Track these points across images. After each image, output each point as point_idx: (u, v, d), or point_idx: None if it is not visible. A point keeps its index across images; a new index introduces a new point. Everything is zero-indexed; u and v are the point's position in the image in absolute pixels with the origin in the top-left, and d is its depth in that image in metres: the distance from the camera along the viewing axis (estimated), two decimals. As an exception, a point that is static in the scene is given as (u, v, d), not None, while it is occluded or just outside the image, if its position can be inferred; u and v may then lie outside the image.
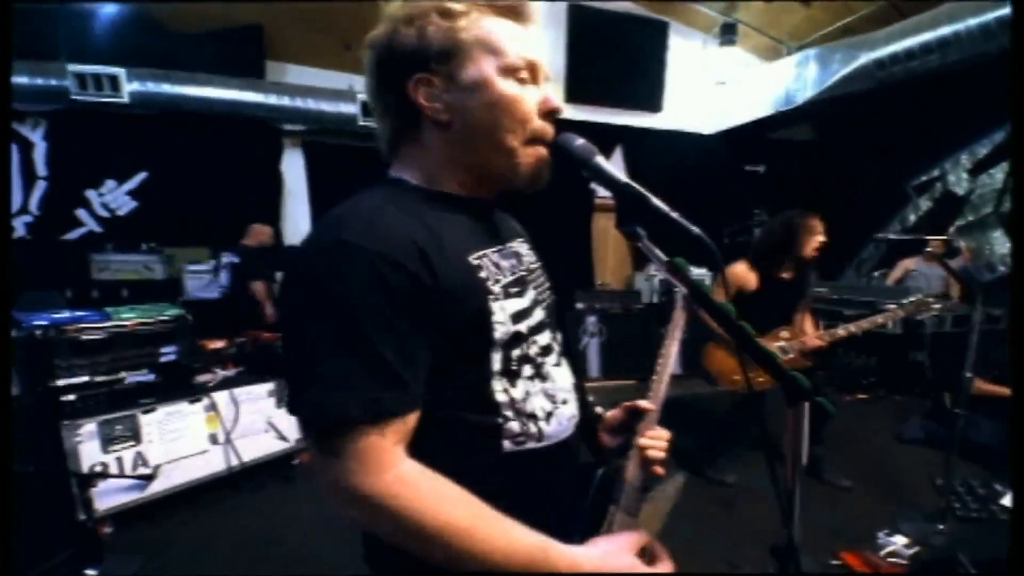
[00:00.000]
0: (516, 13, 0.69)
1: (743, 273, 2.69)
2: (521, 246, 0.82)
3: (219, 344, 3.07)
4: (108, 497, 2.36)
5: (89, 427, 2.36)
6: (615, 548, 0.69)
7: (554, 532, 0.65)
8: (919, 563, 2.15)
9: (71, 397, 2.40)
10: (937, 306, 2.57)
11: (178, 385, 2.74)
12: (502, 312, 0.67)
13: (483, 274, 0.67)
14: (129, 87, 3.99)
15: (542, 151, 0.71)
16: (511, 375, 0.69)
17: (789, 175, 6.39)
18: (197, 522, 2.52)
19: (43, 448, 2.18)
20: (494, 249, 0.73)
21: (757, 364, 0.69)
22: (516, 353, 0.69)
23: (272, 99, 4.41)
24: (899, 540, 2.30)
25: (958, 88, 4.46)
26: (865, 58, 4.51)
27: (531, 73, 0.69)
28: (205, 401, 2.74)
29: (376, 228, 0.59)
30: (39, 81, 3.85)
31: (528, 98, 0.68)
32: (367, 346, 0.56)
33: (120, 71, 3.95)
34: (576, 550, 0.66)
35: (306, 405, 0.58)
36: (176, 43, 4.37)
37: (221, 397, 2.79)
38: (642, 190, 0.68)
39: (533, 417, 0.71)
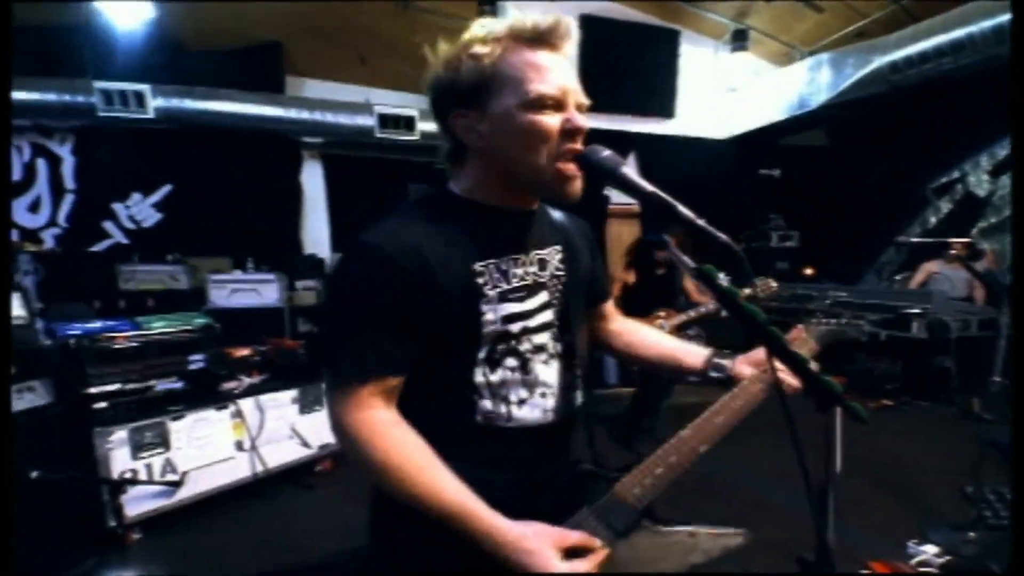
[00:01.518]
0: (545, 41, 0.75)
1: (624, 269, 3.44)
2: (555, 253, 0.89)
3: (244, 352, 3.12)
4: (137, 503, 2.41)
5: (120, 434, 2.41)
6: (536, 535, 0.70)
7: (506, 505, 0.72)
8: (950, 572, 2.10)
9: (103, 405, 2.46)
10: (773, 285, 3.01)
11: (205, 392, 2.80)
12: (493, 313, 0.79)
13: (481, 280, 0.78)
14: (154, 103, 4.10)
15: (570, 167, 0.76)
16: (493, 363, 0.80)
17: (804, 180, 6.35)
18: (220, 530, 2.55)
19: (75, 455, 2.22)
20: (508, 257, 0.82)
21: (788, 369, 0.70)
22: (501, 347, 0.80)
23: (292, 113, 4.50)
24: (929, 549, 2.25)
25: (974, 90, 4.40)
26: (878, 62, 4.48)
27: (557, 99, 0.74)
28: (231, 408, 2.80)
29: (395, 235, 0.75)
30: (67, 98, 3.97)
31: (549, 123, 0.74)
32: (364, 323, 0.74)
33: (145, 87, 4.07)
34: (498, 520, 0.70)
35: (321, 357, 0.85)
36: (198, 61, 4.50)
37: (247, 404, 2.85)
38: (669, 198, 0.70)
39: (506, 400, 0.81)
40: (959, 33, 3.90)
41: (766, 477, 2.97)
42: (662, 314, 3.31)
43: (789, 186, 6.35)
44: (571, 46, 0.77)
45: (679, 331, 3.27)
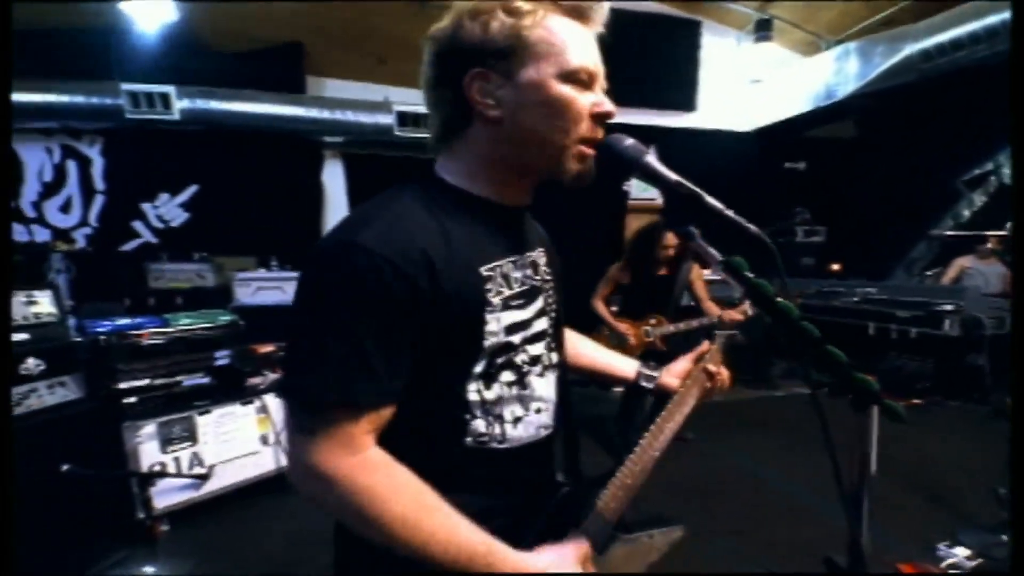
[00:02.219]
0: (583, 15, 0.69)
1: (617, 269, 3.19)
2: (541, 255, 0.83)
3: (268, 348, 3.18)
4: (166, 496, 2.46)
5: (149, 428, 2.48)
6: (561, 558, 0.68)
7: (505, 533, 0.67)
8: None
9: (132, 400, 2.53)
10: (740, 317, 2.89)
11: (231, 388, 2.85)
12: (496, 323, 0.69)
13: (488, 285, 0.69)
14: (179, 104, 4.19)
15: (589, 151, 0.71)
16: (488, 378, 0.71)
17: (831, 173, 6.19)
18: (246, 522, 2.60)
19: (105, 449, 2.28)
20: (511, 259, 0.74)
21: (822, 367, 0.68)
22: (500, 360, 0.71)
23: (312, 113, 4.56)
24: (960, 552, 2.20)
25: (1008, 78, 4.22)
26: (909, 50, 4.33)
27: (589, 78, 0.69)
28: (256, 403, 2.85)
29: (392, 233, 0.62)
30: (95, 100, 4.08)
31: (582, 101, 0.68)
32: (353, 340, 0.60)
33: (170, 89, 4.16)
34: (521, 556, 0.66)
35: (288, 384, 0.63)
36: (221, 62, 4.60)
37: (271, 399, 2.90)
38: (696, 188, 0.68)
39: (500, 419, 0.73)
40: (993, 19, 3.75)
41: (793, 479, 2.91)
42: (652, 321, 3.07)
43: (815, 179, 6.19)
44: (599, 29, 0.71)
45: (666, 342, 3.05)
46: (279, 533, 2.50)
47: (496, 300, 0.70)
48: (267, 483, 2.84)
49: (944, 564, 2.15)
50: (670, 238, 2.94)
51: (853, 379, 0.65)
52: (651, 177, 0.70)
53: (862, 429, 0.68)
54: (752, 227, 0.66)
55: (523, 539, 0.70)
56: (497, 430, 0.73)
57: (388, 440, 0.65)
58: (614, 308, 3.30)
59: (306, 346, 0.62)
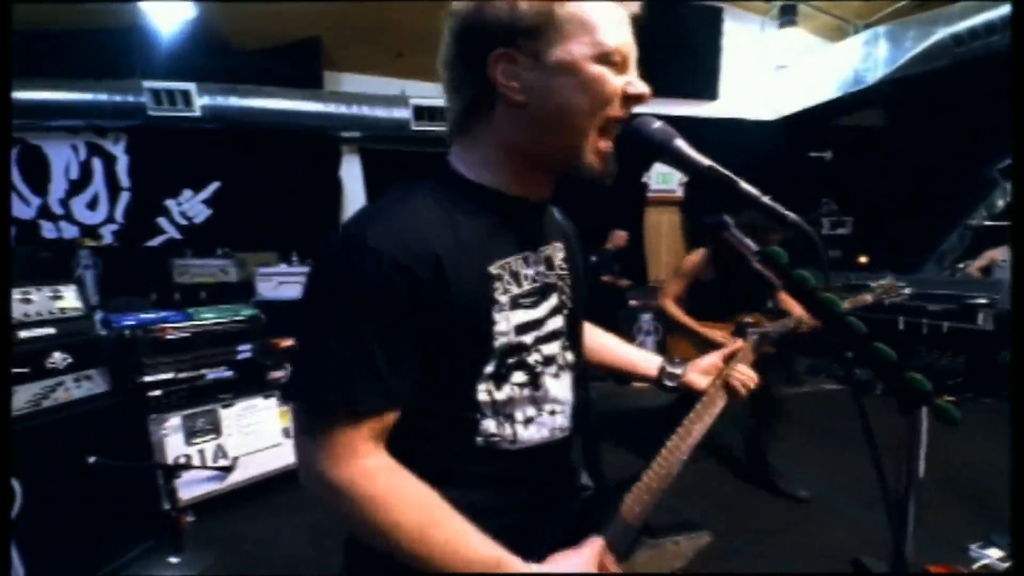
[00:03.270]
0: None
1: (701, 263, 2.64)
2: (558, 250, 0.79)
3: (289, 342, 3.21)
4: (190, 488, 2.51)
5: (174, 421, 2.52)
6: (574, 568, 0.66)
7: (515, 531, 0.66)
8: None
9: (157, 393, 2.58)
10: (907, 290, 2.40)
11: (253, 381, 2.89)
12: (505, 323, 0.67)
13: (496, 284, 0.66)
14: (200, 101, 4.25)
15: (607, 145, 0.67)
16: (499, 379, 0.68)
17: (859, 162, 6.00)
18: (270, 513, 2.63)
19: (131, 441, 2.31)
20: (521, 256, 0.70)
21: (868, 365, 0.64)
22: (511, 361, 0.68)
23: (330, 108, 4.60)
24: (993, 553, 2.13)
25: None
26: (941, 34, 4.17)
27: (622, 60, 0.64)
28: (278, 396, 2.88)
29: (400, 231, 0.60)
30: (118, 98, 4.16)
31: (614, 82, 0.64)
32: (358, 343, 0.58)
33: (191, 86, 4.22)
34: (534, 568, 0.64)
35: (293, 387, 0.62)
36: (241, 59, 4.65)
37: (291, 393, 2.93)
38: (729, 174, 0.63)
39: (511, 419, 0.70)
40: (1032, -1, 3.57)
41: (819, 477, 2.85)
42: (749, 319, 2.51)
43: (842, 169, 6.01)
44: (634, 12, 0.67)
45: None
46: (302, 525, 2.52)
47: (504, 299, 0.67)
48: (289, 475, 2.87)
49: (976, 565, 2.09)
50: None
51: (903, 378, 0.61)
52: (681, 162, 0.65)
53: (911, 431, 0.64)
54: (790, 214, 0.62)
55: (539, 542, 0.68)
56: (508, 431, 0.70)
57: (397, 440, 0.64)
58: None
59: (310, 347, 0.61)
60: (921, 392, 0.61)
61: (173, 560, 2.20)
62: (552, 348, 0.74)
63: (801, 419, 3.80)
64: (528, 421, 0.71)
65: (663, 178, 5.56)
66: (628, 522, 0.73)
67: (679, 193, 5.73)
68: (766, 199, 0.63)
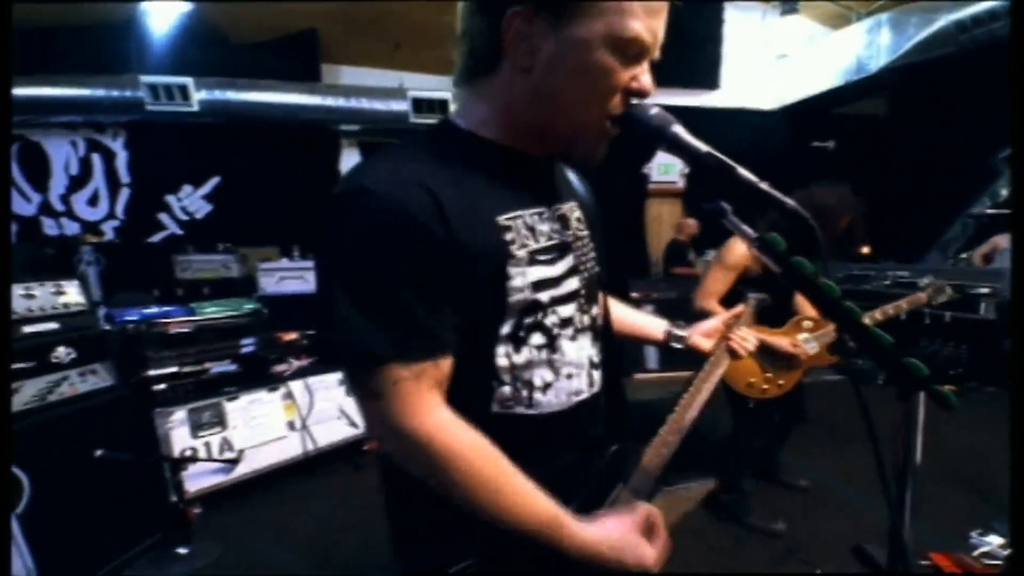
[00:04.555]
0: None
1: (747, 252, 2.10)
2: (573, 209, 0.78)
3: (292, 336, 3.23)
4: (197, 480, 2.53)
5: (179, 414, 2.54)
6: (623, 527, 0.68)
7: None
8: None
9: (162, 386, 2.60)
10: (949, 290, 2.34)
11: (257, 375, 2.91)
12: (521, 278, 0.65)
13: (509, 236, 0.64)
14: (197, 95, 4.23)
15: (607, 128, 0.66)
16: (517, 341, 0.67)
17: (861, 151, 5.96)
18: (277, 505, 2.66)
19: (138, 435, 2.33)
20: (534, 211, 0.69)
21: (865, 351, 0.64)
22: (528, 321, 0.67)
23: (328, 101, 4.57)
24: (994, 540, 2.14)
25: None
26: (944, 21, 4.13)
27: (639, 52, 0.62)
28: (282, 389, 2.90)
29: (396, 177, 0.59)
30: (115, 93, 4.14)
31: (621, 74, 0.62)
32: (391, 293, 0.57)
33: (188, 80, 4.20)
34: (589, 528, 0.66)
35: (334, 348, 0.61)
36: (238, 52, 4.63)
37: (296, 386, 2.94)
38: (728, 160, 0.63)
39: (529, 384, 0.69)
40: (1036, -15, 3.53)
41: (820, 468, 2.86)
42: (808, 324, 2.25)
43: (845, 158, 5.97)
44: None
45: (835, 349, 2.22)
46: (307, 515, 2.55)
47: (521, 253, 0.65)
48: (295, 467, 2.89)
49: (977, 552, 2.09)
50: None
51: (900, 363, 0.61)
52: (679, 148, 0.65)
53: (908, 416, 0.64)
54: (789, 201, 0.62)
55: (569, 502, 0.69)
56: (524, 395, 0.69)
57: None
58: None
59: (340, 304, 0.59)
60: (918, 377, 0.61)
61: (181, 551, 2.22)
62: (569, 310, 0.72)
63: (816, 415, 3.81)
64: (546, 387, 0.71)
65: (664, 169, 5.53)
66: (649, 471, 0.78)
67: (681, 184, 5.70)
68: (764, 185, 0.63)
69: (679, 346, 1.00)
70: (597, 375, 0.79)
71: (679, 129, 0.65)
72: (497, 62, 0.64)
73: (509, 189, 0.67)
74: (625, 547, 0.67)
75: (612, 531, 0.67)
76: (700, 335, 1.00)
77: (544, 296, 0.68)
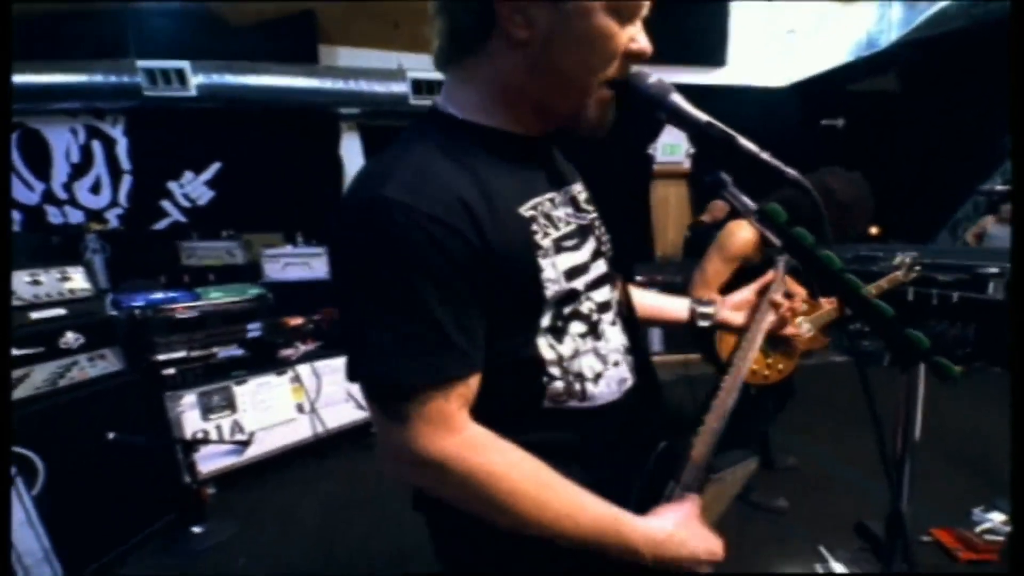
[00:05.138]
0: None
1: (749, 240, 2.02)
2: (580, 191, 0.76)
3: (298, 321, 3.26)
4: (210, 461, 2.59)
5: (190, 398, 2.58)
6: (686, 520, 0.67)
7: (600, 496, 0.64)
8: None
9: (171, 371, 2.64)
10: (917, 268, 2.32)
11: (264, 359, 2.95)
12: (552, 269, 0.63)
13: (533, 227, 0.63)
14: (195, 80, 4.16)
15: (608, 94, 0.64)
16: (558, 332, 0.65)
17: (871, 130, 5.84)
18: (290, 485, 2.72)
19: (149, 418, 2.37)
20: (549, 196, 0.67)
21: (865, 323, 0.64)
22: (567, 310, 0.65)
23: (327, 83, 4.49)
24: (996, 517, 2.16)
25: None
26: (956, -7, 4.00)
27: (635, 11, 0.61)
28: (290, 373, 2.94)
29: (423, 184, 0.55)
30: (113, 79, 4.06)
31: (622, 38, 0.61)
32: (422, 311, 0.54)
33: (185, 64, 4.11)
34: (649, 523, 0.64)
35: (366, 372, 0.57)
36: (236, 35, 4.53)
37: (304, 370, 2.98)
38: (728, 129, 0.62)
39: (580, 376, 0.67)
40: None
41: (822, 448, 2.87)
42: (827, 303, 2.21)
43: (855, 137, 5.85)
44: None
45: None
46: (319, 496, 2.60)
47: (546, 242, 0.63)
48: (305, 449, 2.94)
49: (978, 529, 2.11)
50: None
51: (902, 334, 0.61)
52: (678, 117, 0.64)
53: (909, 388, 0.64)
54: (791, 171, 0.61)
55: (623, 502, 0.68)
56: (577, 387, 0.67)
57: None
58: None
59: (363, 326, 0.56)
60: (919, 348, 0.61)
61: (196, 530, 2.28)
62: (604, 294, 0.71)
63: (807, 391, 3.81)
64: (597, 377, 0.69)
65: (670, 149, 5.44)
66: (698, 463, 0.75)
67: (687, 165, 5.62)
68: (765, 155, 0.62)
69: (706, 324, 0.94)
70: (632, 360, 0.77)
71: (678, 98, 0.64)
72: (485, 39, 0.61)
73: (521, 178, 0.65)
74: (692, 537, 0.65)
75: (676, 522, 0.66)
76: (729, 309, 0.94)
77: (579, 284, 0.66)
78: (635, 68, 0.65)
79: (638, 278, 4.73)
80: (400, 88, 4.61)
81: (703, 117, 0.63)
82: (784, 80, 5.73)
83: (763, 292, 0.93)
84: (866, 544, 2.01)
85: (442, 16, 0.62)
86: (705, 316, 0.94)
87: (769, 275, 0.95)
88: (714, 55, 5.51)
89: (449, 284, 0.55)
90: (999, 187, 4.74)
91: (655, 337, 4.65)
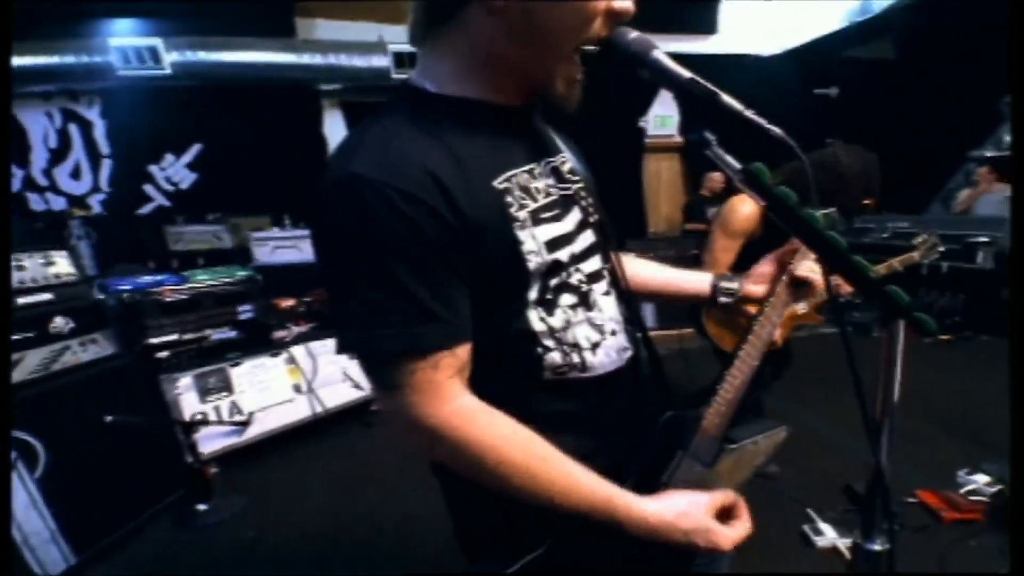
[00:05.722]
0: None
1: (751, 215, 1.94)
2: (563, 161, 0.74)
3: (290, 303, 3.25)
4: (211, 442, 2.61)
5: (186, 380, 2.59)
6: (692, 507, 0.66)
7: (605, 468, 0.64)
8: (1003, 501, 2.03)
9: (165, 354, 2.64)
10: (941, 248, 2.29)
11: (258, 341, 2.96)
12: (532, 240, 0.63)
13: (508, 199, 0.62)
14: (169, 57, 4.00)
15: (578, 71, 0.64)
16: (548, 304, 0.65)
17: (866, 98, 5.78)
18: (291, 465, 2.75)
19: (146, 400, 2.37)
20: (525, 168, 0.66)
21: (846, 280, 0.64)
22: (554, 282, 0.65)
23: (305, 58, 4.33)
24: (980, 479, 2.21)
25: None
26: (952, -47, 3.91)
27: None
28: (285, 355, 2.95)
29: (392, 159, 0.55)
30: (85, 59, 3.92)
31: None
32: (395, 284, 0.55)
33: (157, 42, 3.95)
34: (645, 504, 0.64)
35: (350, 341, 0.59)
36: (209, 8, 4.34)
37: (298, 351, 3.00)
38: (711, 86, 0.61)
39: (576, 347, 0.68)
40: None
41: (815, 413, 2.92)
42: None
43: (848, 106, 5.79)
44: None
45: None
46: (320, 474, 2.64)
47: (522, 214, 0.62)
48: (304, 428, 2.97)
49: (963, 491, 2.16)
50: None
51: (881, 291, 0.61)
52: (660, 74, 0.62)
53: (889, 345, 0.64)
54: (775, 129, 0.60)
55: (629, 471, 0.68)
56: (576, 359, 0.67)
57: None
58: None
59: (345, 300, 0.57)
60: (898, 304, 0.61)
61: (202, 507, 2.31)
62: (593, 264, 0.71)
63: (798, 361, 3.85)
64: (595, 346, 0.69)
65: (661, 122, 5.38)
66: (711, 434, 0.74)
67: (679, 139, 5.57)
68: (749, 113, 0.61)
69: (728, 299, 0.91)
70: (634, 329, 0.77)
71: (660, 55, 0.63)
72: (459, 7, 0.59)
73: (497, 149, 0.64)
74: (693, 531, 0.65)
75: (678, 512, 0.65)
76: (752, 282, 0.91)
77: (563, 255, 0.66)
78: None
79: (631, 254, 4.72)
80: (382, 62, 4.48)
81: (686, 73, 0.62)
82: (776, 48, 5.63)
83: (782, 262, 0.91)
84: (852, 505, 2.07)
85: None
86: (728, 292, 0.91)
87: (792, 243, 0.90)
88: (704, 23, 5.40)
89: (420, 257, 0.55)
90: (989, 153, 4.73)
91: (648, 312, 4.67)
